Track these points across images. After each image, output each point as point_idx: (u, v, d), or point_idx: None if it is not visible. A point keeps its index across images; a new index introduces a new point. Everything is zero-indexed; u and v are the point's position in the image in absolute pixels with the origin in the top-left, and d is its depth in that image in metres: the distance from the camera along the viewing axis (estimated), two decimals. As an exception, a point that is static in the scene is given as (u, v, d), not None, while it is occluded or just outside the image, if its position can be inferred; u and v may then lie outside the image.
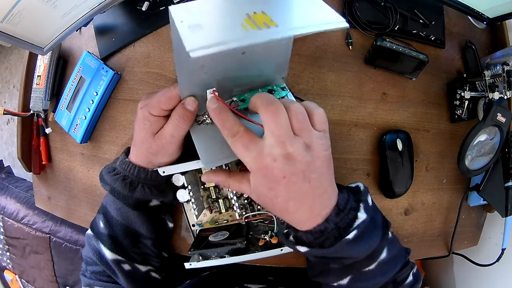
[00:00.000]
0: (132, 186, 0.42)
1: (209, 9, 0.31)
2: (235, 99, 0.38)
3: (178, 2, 0.50)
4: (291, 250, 0.42)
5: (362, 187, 0.40)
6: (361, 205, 0.36)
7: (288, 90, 0.40)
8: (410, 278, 0.41)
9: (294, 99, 0.40)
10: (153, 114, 0.37)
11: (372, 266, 0.37)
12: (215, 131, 0.38)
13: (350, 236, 0.34)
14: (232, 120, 0.33)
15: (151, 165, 0.41)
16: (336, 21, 0.29)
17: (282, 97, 0.39)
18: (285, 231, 0.40)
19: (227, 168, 0.44)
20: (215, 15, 0.31)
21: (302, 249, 0.36)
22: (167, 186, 0.45)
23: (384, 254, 0.37)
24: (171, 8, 0.31)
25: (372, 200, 0.39)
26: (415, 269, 0.42)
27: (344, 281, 0.38)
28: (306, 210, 0.33)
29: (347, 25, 0.29)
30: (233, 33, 0.27)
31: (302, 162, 0.31)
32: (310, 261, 0.42)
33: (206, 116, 0.38)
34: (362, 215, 0.35)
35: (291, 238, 0.37)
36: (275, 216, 0.47)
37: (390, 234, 0.40)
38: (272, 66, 0.38)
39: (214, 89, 0.35)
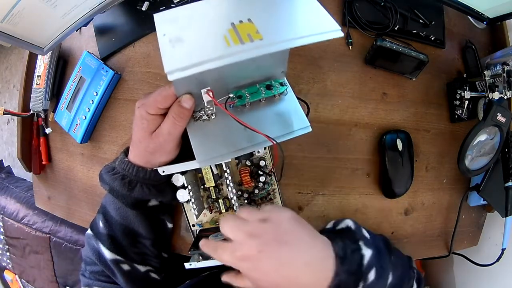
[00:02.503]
0: (130, 185, 0.42)
1: (195, 16, 0.30)
2: (231, 95, 0.37)
3: (178, 3, 0.50)
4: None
5: (352, 225, 0.40)
6: (360, 243, 0.37)
7: (288, 85, 0.39)
8: (415, 285, 0.42)
9: (293, 93, 0.40)
10: (150, 113, 0.37)
11: None
12: (212, 128, 0.37)
13: (372, 276, 0.34)
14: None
15: (150, 164, 0.41)
16: (329, 31, 0.28)
17: (281, 93, 0.39)
18: None
19: (227, 168, 0.43)
20: (200, 23, 0.30)
21: None
22: (166, 186, 0.44)
23: (390, 278, 0.37)
24: (156, 17, 0.30)
25: (367, 230, 0.40)
26: (416, 275, 0.42)
27: None
28: (306, 270, 0.33)
29: (341, 34, 0.27)
30: (213, 49, 0.27)
31: (267, 232, 0.32)
32: None
33: (203, 112, 0.38)
34: (367, 252, 0.35)
35: None
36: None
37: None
38: (271, 61, 0.37)
39: (208, 88, 0.35)
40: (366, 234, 0.39)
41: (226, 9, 0.31)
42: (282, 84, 0.39)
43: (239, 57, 0.26)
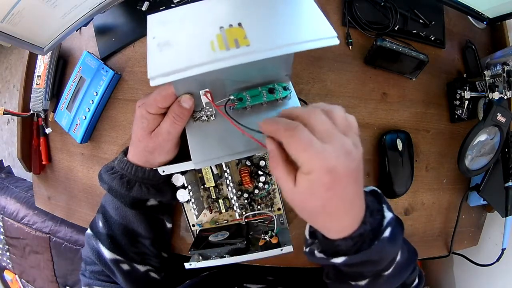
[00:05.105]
0: (129, 185, 0.42)
1: (188, 18, 0.30)
2: (232, 97, 0.36)
3: (178, 3, 0.50)
4: (291, 250, 0.42)
5: (379, 190, 0.40)
6: (384, 206, 0.37)
7: (291, 89, 0.38)
8: (416, 280, 0.42)
9: (297, 99, 0.39)
10: (150, 112, 0.37)
11: (390, 270, 0.37)
12: (210, 129, 0.37)
13: (387, 234, 0.33)
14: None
15: (149, 164, 0.41)
16: (323, 38, 0.26)
17: (284, 97, 0.38)
18: (307, 249, 0.38)
19: (227, 168, 0.43)
20: (191, 26, 0.30)
21: (339, 260, 0.34)
22: (165, 185, 0.45)
23: (399, 257, 0.37)
24: (149, 18, 0.30)
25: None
26: (418, 271, 0.42)
27: (362, 282, 0.37)
28: (353, 214, 0.32)
29: (337, 42, 0.26)
30: (197, 55, 0.26)
31: (356, 160, 0.30)
32: (329, 269, 0.41)
33: (203, 113, 0.37)
34: (388, 214, 0.35)
35: (318, 254, 0.36)
36: (275, 216, 0.47)
37: None
38: (273, 64, 0.36)
39: (207, 89, 0.34)
40: (388, 203, 0.39)
41: (219, 12, 0.30)
42: (285, 88, 0.37)
43: (222, 64, 0.25)
